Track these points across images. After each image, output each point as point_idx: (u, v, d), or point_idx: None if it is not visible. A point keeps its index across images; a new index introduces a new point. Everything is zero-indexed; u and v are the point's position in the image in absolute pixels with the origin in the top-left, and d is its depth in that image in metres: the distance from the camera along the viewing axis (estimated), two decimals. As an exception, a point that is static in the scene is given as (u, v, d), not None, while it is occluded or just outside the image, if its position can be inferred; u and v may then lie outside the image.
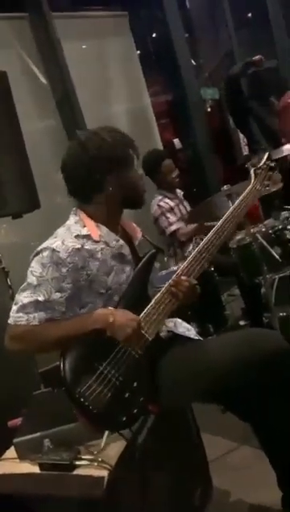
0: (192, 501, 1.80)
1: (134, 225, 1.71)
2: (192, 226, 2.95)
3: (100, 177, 1.52)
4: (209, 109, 5.32)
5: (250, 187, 1.72)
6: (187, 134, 4.43)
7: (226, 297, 2.94)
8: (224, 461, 2.05)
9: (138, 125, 4.10)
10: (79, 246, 1.47)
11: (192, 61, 4.71)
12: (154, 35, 4.98)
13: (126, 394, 1.43)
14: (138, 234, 1.68)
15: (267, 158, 1.78)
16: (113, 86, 3.97)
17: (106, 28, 4.01)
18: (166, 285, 1.53)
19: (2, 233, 3.02)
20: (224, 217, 1.62)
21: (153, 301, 1.52)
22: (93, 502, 1.34)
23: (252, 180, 1.74)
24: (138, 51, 4.29)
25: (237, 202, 1.67)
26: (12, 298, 1.96)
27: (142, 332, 1.47)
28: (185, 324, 1.71)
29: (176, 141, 4.65)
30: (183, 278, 1.52)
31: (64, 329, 1.45)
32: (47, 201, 2.35)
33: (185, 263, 1.55)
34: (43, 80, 3.52)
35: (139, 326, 1.46)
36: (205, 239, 1.58)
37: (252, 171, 1.75)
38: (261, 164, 1.76)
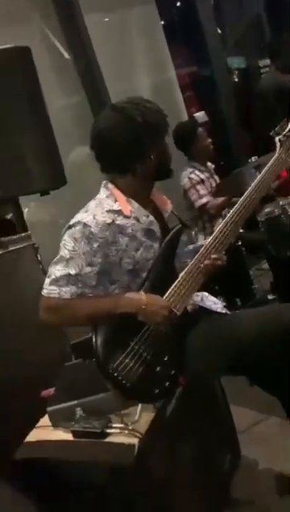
0: (221, 469, 1.84)
1: (165, 197, 1.70)
2: (222, 199, 2.91)
3: (146, 145, 1.50)
4: (235, 79, 5.16)
5: (275, 156, 1.68)
6: (213, 106, 4.32)
7: (255, 271, 2.91)
8: (252, 432, 2.08)
9: (164, 99, 4.01)
10: (110, 221, 1.48)
11: (218, 30, 4.55)
12: (178, 4, 4.83)
13: (158, 368, 1.46)
14: (168, 207, 1.68)
15: None
16: (138, 59, 3.89)
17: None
18: (193, 260, 1.54)
19: (31, 211, 3.06)
20: (250, 188, 1.60)
21: (180, 276, 1.52)
22: (123, 469, 1.39)
23: (277, 149, 1.69)
24: (162, 22, 4.18)
25: (262, 172, 1.64)
26: (44, 273, 2.01)
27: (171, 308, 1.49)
28: (212, 298, 1.72)
29: (200, 114, 4.54)
30: (212, 252, 1.52)
31: (95, 307, 1.48)
32: (72, 177, 2.35)
33: (212, 237, 1.55)
34: (67, 55, 3.49)
35: (170, 312, 1.48)
36: (232, 211, 1.57)
37: (277, 140, 1.70)
38: (285, 132, 1.70)
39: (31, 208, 3.02)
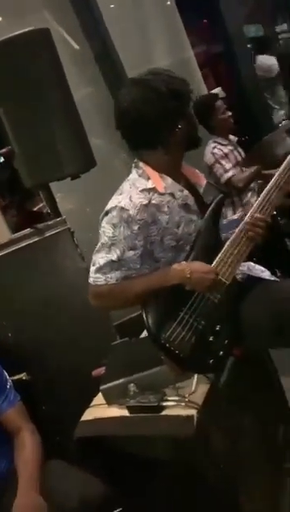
0: (276, 440, 1.82)
1: (197, 171, 1.67)
2: (250, 171, 2.85)
3: (174, 115, 1.46)
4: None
5: None
6: (232, 78, 4.21)
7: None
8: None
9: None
10: (146, 202, 1.44)
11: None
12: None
13: (210, 338, 1.45)
14: (202, 181, 1.64)
15: None
16: (154, 40, 3.83)
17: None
18: (239, 227, 1.51)
19: (58, 201, 3.07)
20: None
21: (227, 245, 1.50)
22: (182, 442, 1.38)
23: None
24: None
25: None
26: (81, 257, 2.02)
27: (219, 277, 1.47)
28: (259, 267, 1.69)
29: (216, 90, 4.46)
30: (258, 216, 1.49)
31: (142, 286, 1.47)
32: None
33: (256, 204, 1.51)
34: (76, 46, 3.44)
35: (216, 276, 1.46)
36: (276, 175, 1.52)
37: None
38: None
39: (59, 198, 3.03)
